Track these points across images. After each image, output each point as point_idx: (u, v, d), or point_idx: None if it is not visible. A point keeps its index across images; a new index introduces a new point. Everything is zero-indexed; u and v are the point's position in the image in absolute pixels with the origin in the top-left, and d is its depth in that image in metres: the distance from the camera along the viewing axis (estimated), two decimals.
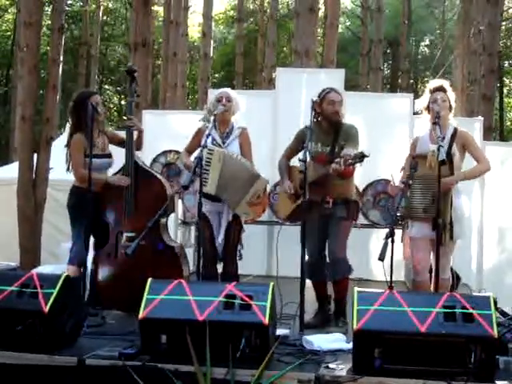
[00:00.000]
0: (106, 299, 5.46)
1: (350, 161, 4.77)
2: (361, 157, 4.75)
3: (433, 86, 5.26)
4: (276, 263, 5.23)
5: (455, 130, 5.10)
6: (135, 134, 5.61)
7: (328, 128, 5.22)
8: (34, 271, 4.78)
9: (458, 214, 5.06)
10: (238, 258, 5.39)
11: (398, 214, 4.85)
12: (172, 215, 6.57)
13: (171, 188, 5.70)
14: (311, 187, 4.93)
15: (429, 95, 5.23)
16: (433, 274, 4.89)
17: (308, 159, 4.89)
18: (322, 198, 5.11)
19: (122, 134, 5.68)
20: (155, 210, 5.00)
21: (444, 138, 4.96)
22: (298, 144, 5.32)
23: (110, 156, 5.66)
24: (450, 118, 5.22)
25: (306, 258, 5.05)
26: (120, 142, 5.66)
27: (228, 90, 5.55)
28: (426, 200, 4.99)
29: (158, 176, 5.61)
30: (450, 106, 5.22)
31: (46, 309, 3.97)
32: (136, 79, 5.70)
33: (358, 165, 4.88)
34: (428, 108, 5.22)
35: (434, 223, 4.76)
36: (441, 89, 5.22)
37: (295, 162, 5.38)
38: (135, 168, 5.48)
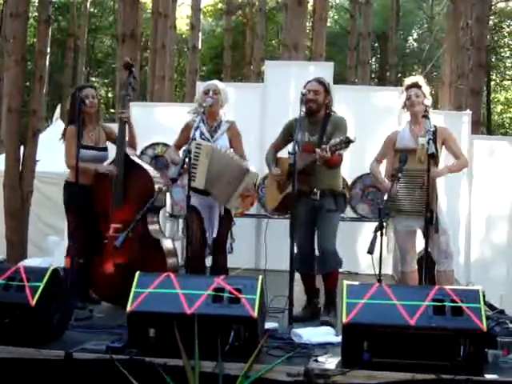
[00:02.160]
0: (97, 292, 5.50)
1: (336, 146, 4.78)
2: (346, 142, 4.76)
3: (407, 83, 5.37)
4: (265, 256, 5.21)
5: (435, 126, 5.14)
6: (127, 131, 5.60)
7: (316, 118, 5.21)
8: (21, 264, 4.75)
9: (440, 208, 5.22)
10: (228, 251, 5.38)
11: (382, 207, 4.88)
12: None
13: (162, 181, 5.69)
14: (298, 177, 4.91)
15: (404, 93, 5.33)
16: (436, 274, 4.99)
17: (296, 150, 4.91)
18: (309, 189, 5.09)
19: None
20: (143, 203, 4.98)
21: (427, 132, 5.01)
22: (286, 136, 5.31)
23: (104, 149, 5.65)
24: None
25: (295, 250, 5.06)
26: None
27: (216, 82, 5.52)
28: (412, 193, 5.12)
29: (148, 169, 5.54)
30: (427, 104, 5.27)
31: (33, 302, 3.94)
32: (133, 73, 5.68)
33: (344, 153, 4.92)
34: (405, 105, 5.35)
35: (429, 216, 4.82)
36: (415, 85, 5.30)
37: (282, 154, 5.37)
38: (125, 160, 5.45)
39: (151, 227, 5.45)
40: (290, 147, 4.98)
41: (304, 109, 5.14)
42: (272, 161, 5.40)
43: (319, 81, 5.28)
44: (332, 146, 4.80)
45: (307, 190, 5.09)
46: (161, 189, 5.38)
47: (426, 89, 5.33)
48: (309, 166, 5.03)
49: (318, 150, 4.85)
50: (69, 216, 5.53)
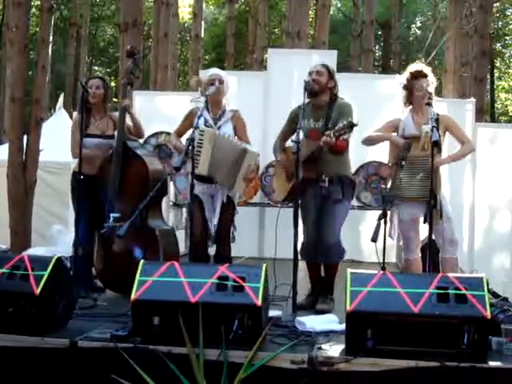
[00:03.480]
0: (101, 280, 5.56)
1: (339, 131, 4.77)
2: (349, 126, 4.76)
3: (414, 71, 5.33)
4: (275, 244, 5.18)
5: (437, 114, 5.13)
6: (131, 123, 5.63)
7: (320, 104, 5.19)
8: (25, 253, 4.76)
9: (444, 195, 5.26)
10: (231, 239, 5.38)
11: (386, 195, 4.89)
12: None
13: (164, 170, 5.70)
14: (305, 165, 4.92)
15: (410, 80, 5.30)
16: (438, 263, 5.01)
17: (301, 138, 4.90)
18: (316, 177, 5.07)
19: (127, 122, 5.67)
20: (141, 193, 4.99)
21: (430, 120, 5.00)
22: (292, 124, 5.25)
23: (110, 137, 5.65)
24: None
25: (302, 238, 5.06)
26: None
27: (218, 70, 5.51)
28: (416, 180, 5.11)
29: (145, 158, 5.51)
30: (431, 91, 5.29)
31: (38, 291, 3.94)
32: (136, 61, 5.68)
33: (350, 138, 4.92)
34: (409, 91, 5.33)
35: (433, 203, 4.82)
36: (422, 74, 5.28)
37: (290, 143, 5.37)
38: (123, 148, 5.45)
39: (150, 216, 5.44)
40: (294, 136, 4.98)
41: (307, 92, 5.13)
42: (279, 150, 5.39)
43: (323, 64, 5.27)
44: (336, 131, 4.79)
45: (314, 177, 5.07)
46: (160, 177, 5.37)
47: (432, 78, 5.33)
48: (314, 152, 5.01)
49: (323, 138, 4.84)
50: (74, 205, 5.54)
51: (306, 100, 5.10)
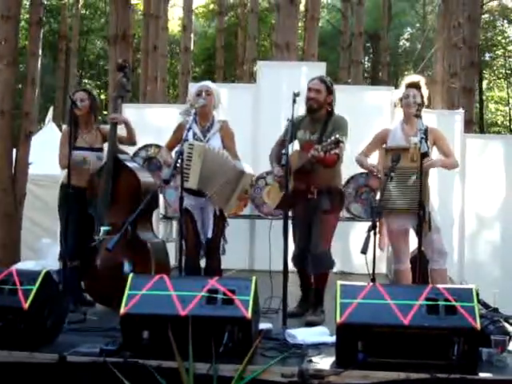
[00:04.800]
0: (91, 294, 5.53)
1: (327, 146, 4.80)
2: (336, 142, 4.78)
3: (408, 82, 5.37)
4: (269, 257, 5.15)
5: (426, 126, 5.16)
6: (124, 131, 5.65)
7: (318, 117, 5.22)
8: (14, 267, 4.74)
9: (432, 206, 5.29)
10: (221, 252, 5.37)
11: (375, 206, 4.90)
12: None
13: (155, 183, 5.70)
14: (296, 175, 4.94)
15: (404, 89, 5.33)
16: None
17: (297, 148, 4.96)
18: (306, 188, 5.10)
19: (119, 132, 5.69)
20: (133, 205, 4.99)
21: (419, 131, 5.02)
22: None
23: (99, 150, 5.67)
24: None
25: (293, 249, 5.07)
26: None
27: (208, 83, 5.51)
28: (405, 192, 5.15)
29: (137, 171, 5.53)
30: (422, 104, 5.28)
31: (26, 305, 3.92)
32: (127, 74, 5.68)
33: (343, 152, 4.93)
34: (401, 102, 5.37)
35: (421, 214, 4.83)
36: (415, 85, 5.30)
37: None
38: (114, 162, 5.46)
39: (140, 229, 5.43)
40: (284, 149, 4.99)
41: (306, 108, 5.18)
42: (275, 160, 5.39)
43: (321, 79, 5.30)
44: (323, 146, 4.84)
45: (304, 188, 5.10)
46: (151, 190, 5.37)
47: (425, 91, 5.35)
48: (305, 164, 5.04)
49: (311, 151, 4.88)
50: (61, 218, 5.52)
51: (300, 111, 5.13)
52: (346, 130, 5.14)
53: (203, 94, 5.30)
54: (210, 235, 5.29)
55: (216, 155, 5.20)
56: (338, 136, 4.81)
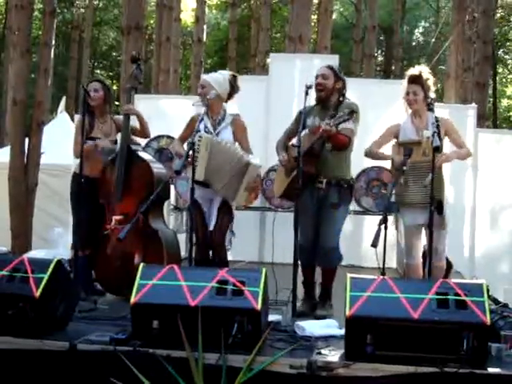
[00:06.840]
0: (101, 283, 5.57)
1: (339, 119, 4.78)
2: (350, 113, 4.76)
3: (408, 76, 5.27)
4: (272, 249, 5.18)
5: (436, 118, 5.11)
6: (137, 122, 5.68)
7: (328, 104, 5.17)
8: (26, 256, 4.76)
9: (447, 199, 5.25)
10: (228, 245, 5.33)
11: (391, 201, 4.87)
12: None
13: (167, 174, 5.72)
14: (305, 158, 4.87)
15: (406, 84, 5.26)
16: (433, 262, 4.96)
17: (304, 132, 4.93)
18: (316, 172, 5.02)
19: (132, 123, 5.73)
20: (144, 196, 5.00)
21: (431, 125, 4.99)
22: (297, 126, 5.20)
23: (113, 142, 5.70)
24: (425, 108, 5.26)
25: (299, 240, 5.05)
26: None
27: (203, 75, 5.55)
28: (418, 186, 5.07)
29: (150, 162, 5.56)
30: (426, 97, 5.22)
31: (37, 293, 3.94)
32: (140, 66, 5.71)
33: (354, 138, 4.93)
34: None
35: (438, 206, 4.80)
36: (416, 80, 5.21)
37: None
38: (127, 153, 5.48)
39: (152, 219, 5.44)
40: (294, 140, 4.97)
41: (315, 96, 5.15)
42: (281, 148, 5.35)
43: (329, 66, 5.27)
44: (336, 119, 4.80)
45: (313, 172, 5.02)
46: (167, 182, 5.39)
47: (431, 81, 5.26)
48: (315, 144, 4.97)
49: (322, 125, 4.83)
50: (73, 207, 5.55)
51: (312, 103, 5.10)
52: (357, 113, 5.08)
53: (199, 88, 5.33)
54: (211, 228, 5.28)
55: (223, 147, 5.18)
56: (349, 110, 4.78)
